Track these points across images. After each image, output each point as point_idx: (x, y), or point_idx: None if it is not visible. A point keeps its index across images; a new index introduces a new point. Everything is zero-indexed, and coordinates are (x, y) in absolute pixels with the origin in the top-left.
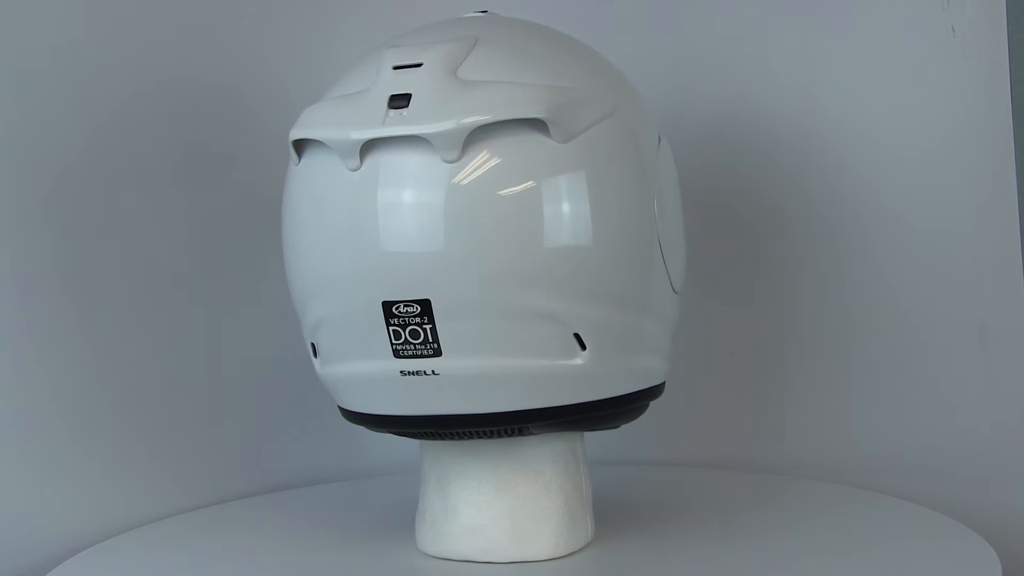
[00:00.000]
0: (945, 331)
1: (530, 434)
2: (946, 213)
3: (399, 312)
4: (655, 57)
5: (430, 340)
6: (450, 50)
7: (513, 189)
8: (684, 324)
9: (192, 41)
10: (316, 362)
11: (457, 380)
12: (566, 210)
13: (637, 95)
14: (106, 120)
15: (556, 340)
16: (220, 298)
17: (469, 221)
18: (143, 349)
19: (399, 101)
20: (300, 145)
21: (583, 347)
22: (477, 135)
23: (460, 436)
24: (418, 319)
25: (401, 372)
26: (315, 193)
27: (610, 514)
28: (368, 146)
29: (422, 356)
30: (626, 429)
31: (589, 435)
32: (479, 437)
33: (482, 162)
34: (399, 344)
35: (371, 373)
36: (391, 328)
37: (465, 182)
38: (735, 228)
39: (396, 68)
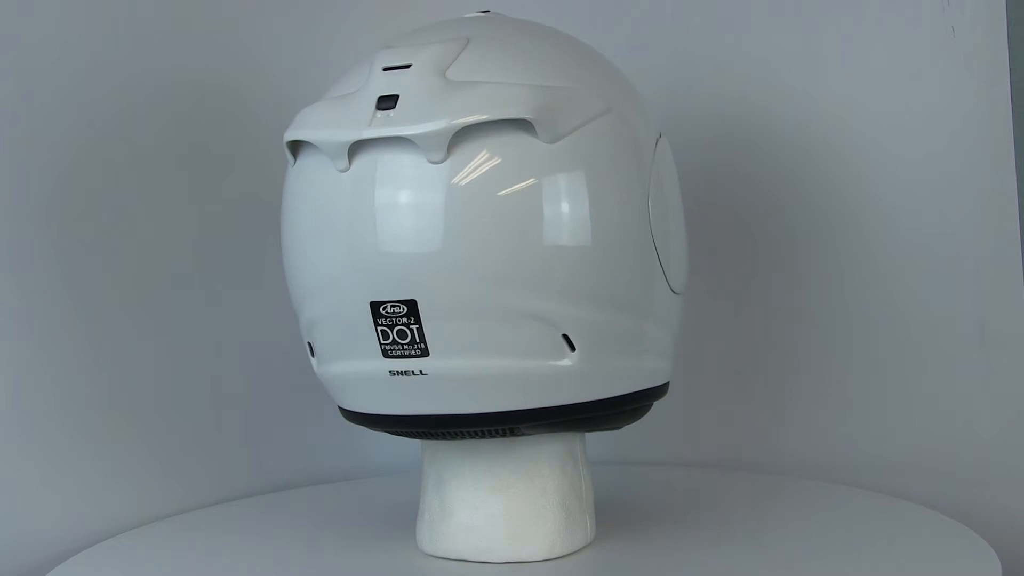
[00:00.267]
0: (945, 331)
1: (523, 434)
2: (946, 213)
3: (386, 312)
4: (655, 57)
5: (417, 340)
6: (440, 51)
7: (499, 189)
8: (684, 324)
9: (192, 41)
10: (313, 361)
11: (445, 380)
12: (553, 210)
13: (634, 94)
14: (106, 120)
15: (544, 341)
16: (220, 298)
17: (455, 222)
18: (143, 349)
19: (387, 102)
20: (296, 146)
21: (572, 348)
22: (465, 135)
23: (450, 436)
24: (405, 319)
25: (390, 372)
26: (308, 194)
27: (610, 514)
28: (356, 147)
29: (410, 356)
30: (625, 429)
31: (591, 434)
32: (469, 437)
33: (468, 163)
34: (387, 344)
35: (362, 373)
36: (379, 328)
37: (451, 183)
38: (734, 228)
39: (386, 69)
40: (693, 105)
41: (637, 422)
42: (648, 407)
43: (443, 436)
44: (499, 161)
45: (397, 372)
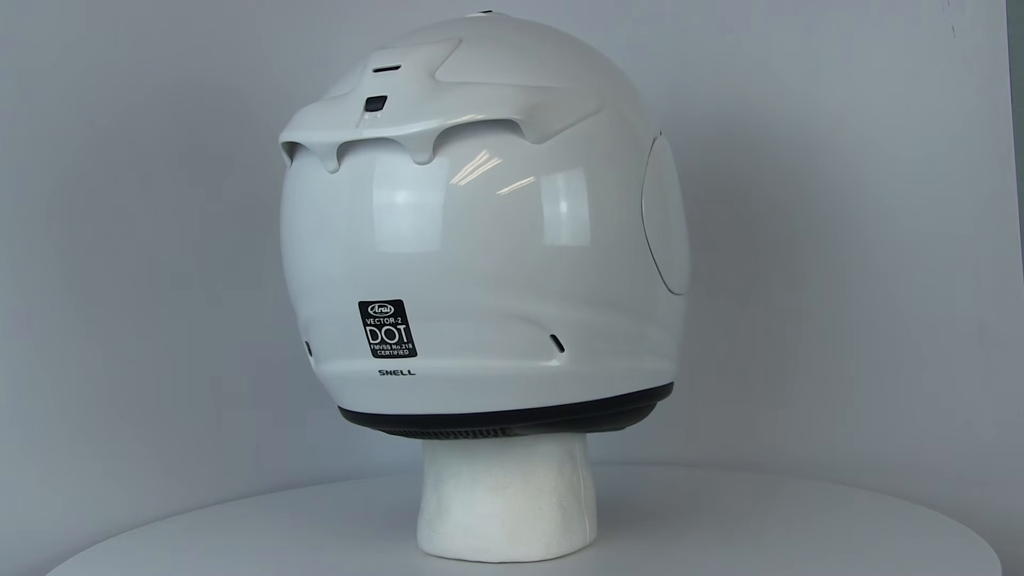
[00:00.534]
0: (945, 331)
1: (516, 435)
2: (946, 213)
3: (374, 312)
4: (656, 57)
5: (404, 340)
6: (430, 52)
7: (484, 190)
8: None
9: (192, 41)
10: (312, 360)
11: (433, 380)
12: (540, 211)
13: (632, 92)
14: (106, 120)
15: (532, 342)
16: (220, 298)
17: (440, 222)
18: (143, 349)
19: (375, 103)
20: (292, 147)
21: (561, 348)
22: (452, 136)
23: (442, 436)
24: (392, 319)
25: (380, 372)
26: (301, 195)
27: (609, 514)
28: (345, 148)
29: (398, 356)
30: (626, 429)
31: (592, 434)
32: (461, 437)
33: (454, 164)
34: (376, 344)
35: (354, 372)
36: (368, 328)
37: (436, 183)
38: (734, 228)
39: (376, 71)
40: (693, 105)
41: (638, 422)
42: (651, 407)
43: (435, 436)
44: (485, 162)
45: (386, 372)
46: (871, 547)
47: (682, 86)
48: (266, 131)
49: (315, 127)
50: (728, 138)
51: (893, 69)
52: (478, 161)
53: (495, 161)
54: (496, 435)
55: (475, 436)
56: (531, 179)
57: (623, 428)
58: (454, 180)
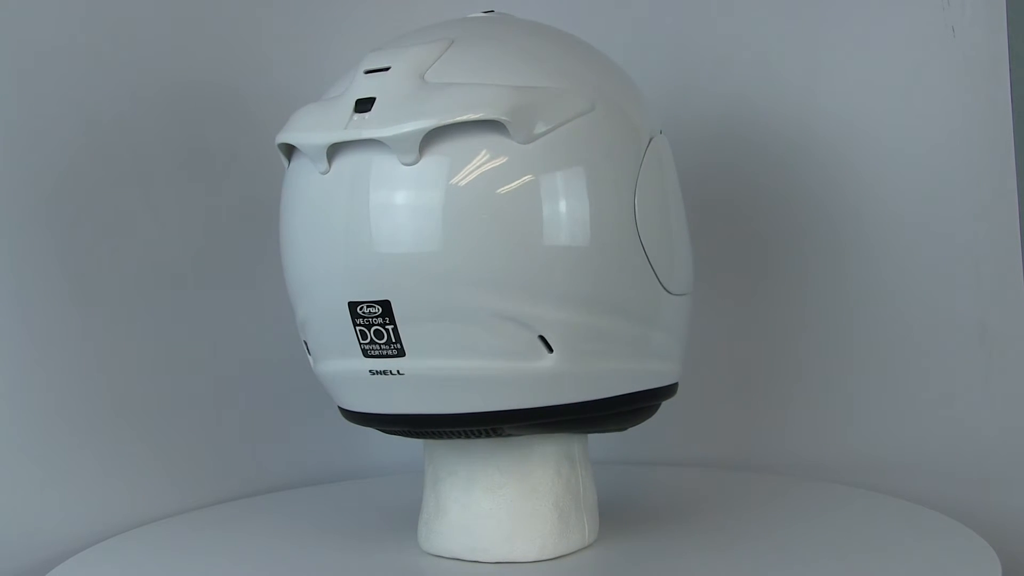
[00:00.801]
0: (945, 331)
1: (508, 435)
2: (946, 213)
3: (363, 312)
4: (656, 56)
5: (393, 340)
6: (420, 53)
7: (470, 191)
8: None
9: (192, 41)
10: (310, 359)
11: (422, 380)
12: (529, 212)
13: (628, 91)
14: (106, 120)
15: (520, 342)
16: (220, 298)
17: (427, 224)
18: (143, 349)
19: (364, 105)
20: (290, 148)
21: (550, 349)
22: (440, 136)
23: (433, 435)
24: (380, 320)
25: (370, 371)
26: (296, 195)
27: (610, 515)
28: (335, 149)
29: (387, 356)
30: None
31: (595, 434)
32: (452, 437)
33: (440, 165)
34: (366, 344)
35: (346, 372)
36: (357, 328)
37: (423, 184)
38: (735, 228)
39: (367, 72)
40: (694, 104)
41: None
42: (653, 408)
43: (427, 435)
44: (473, 163)
45: (377, 372)
46: (872, 547)
47: (682, 86)
48: (266, 131)
49: (307, 129)
50: (728, 138)
51: (893, 69)
52: (465, 162)
53: (483, 162)
54: (488, 435)
55: (467, 436)
56: (519, 180)
57: (626, 429)
58: (441, 181)
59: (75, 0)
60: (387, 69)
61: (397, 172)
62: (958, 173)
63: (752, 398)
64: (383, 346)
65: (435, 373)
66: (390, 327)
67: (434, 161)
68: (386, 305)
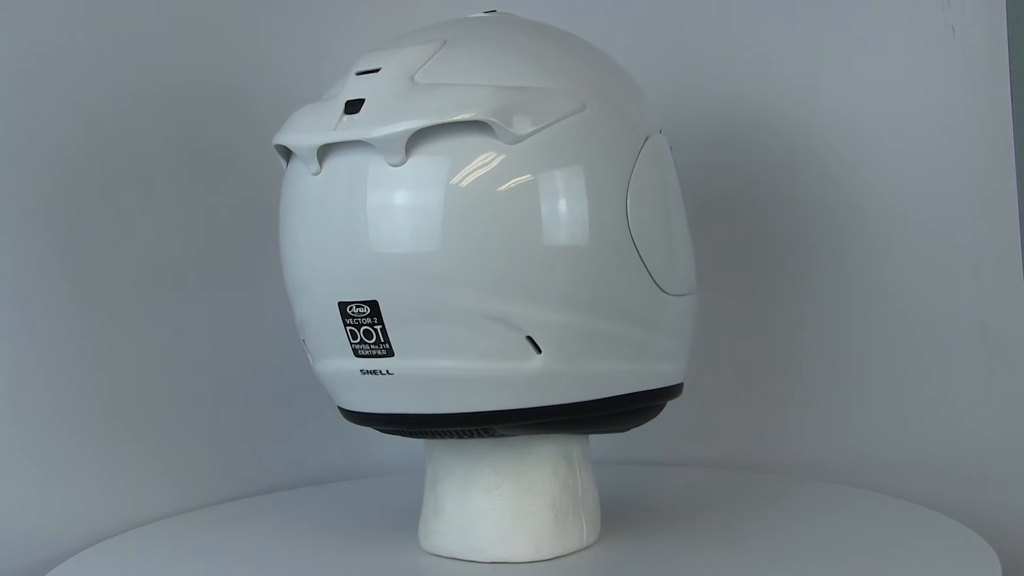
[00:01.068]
0: (945, 331)
1: (501, 435)
2: (946, 213)
3: (352, 312)
4: (657, 56)
5: (382, 340)
6: (411, 54)
7: (457, 192)
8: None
9: (192, 41)
10: (309, 358)
11: (411, 380)
12: (514, 212)
13: (623, 90)
14: (106, 120)
15: (507, 343)
16: (220, 298)
17: (413, 224)
18: (143, 349)
19: (353, 106)
20: (287, 149)
21: (538, 350)
22: (427, 138)
23: (425, 435)
24: (369, 320)
25: (361, 371)
26: (291, 196)
27: (608, 515)
28: (325, 151)
29: (377, 356)
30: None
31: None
32: (445, 437)
33: (426, 165)
34: (356, 344)
35: (340, 371)
36: (348, 328)
37: (409, 185)
38: (735, 227)
39: (358, 74)
40: (695, 104)
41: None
42: (655, 409)
43: (418, 435)
44: (455, 163)
45: (367, 371)
46: (872, 547)
47: (683, 85)
48: (266, 131)
49: (299, 130)
50: (729, 138)
51: (893, 69)
52: (452, 163)
53: (469, 163)
54: (481, 436)
55: (459, 436)
56: (507, 181)
57: (627, 430)
58: (427, 182)
59: (75, 0)
60: (377, 71)
61: (385, 173)
62: (958, 173)
63: (752, 398)
64: (372, 346)
65: (424, 373)
66: (378, 327)
67: (421, 162)
68: (374, 305)
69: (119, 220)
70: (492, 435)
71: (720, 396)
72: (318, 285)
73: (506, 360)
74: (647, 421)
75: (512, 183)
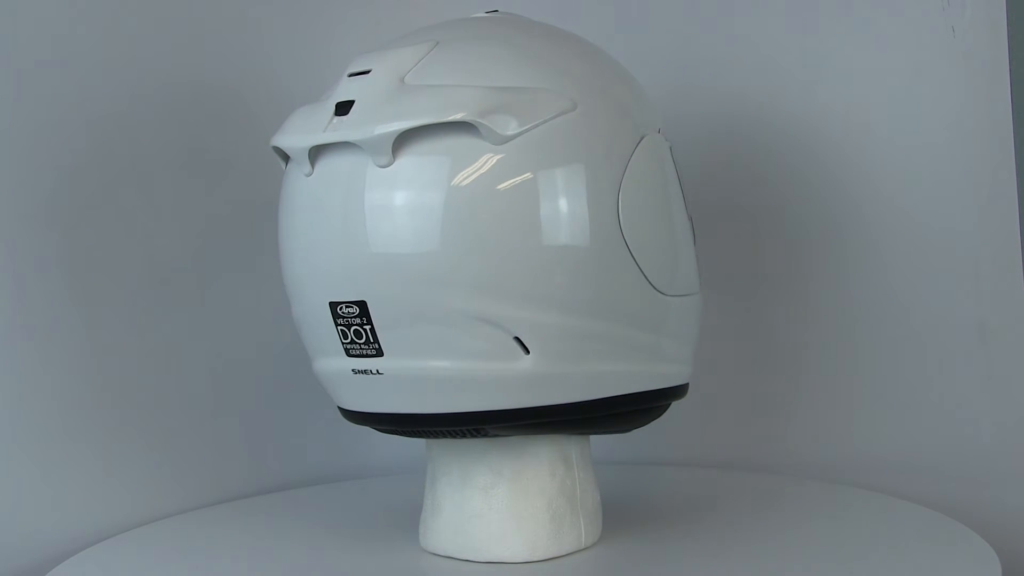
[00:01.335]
0: (945, 331)
1: (496, 435)
2: (946, 213)
3: (342, 312)
4: (657, 56)
5: (371, 340)
6: (402, 56)
7: (444, 192)
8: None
9: (192, 41)
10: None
11: (400, 380)
12: (501, 213)
13: (618, 89)
14: (106, 120)
15: (495, 344)
16: (220, 298)
17: (398, 225)
18: (143, 348)
19: (343, 108)
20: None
21: (526, 351)
22: (414, 139)
23: (415, 434)
24: (358, 320)
25: (352, 370)
26: (286, 197)
27: (608, 515)
28: (316, 152)
29: (366, 356)
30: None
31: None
32: (435, 436)
33: (413, 166)
34: (347, 343)
35: (333, 370)
36: (339, 328)
37: (395, 186)
38: (736, 229)
39: (350, 75)
40: (695, 104)
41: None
42: (657, 409)
43: (411, 434)
44: (442, 164)
45: (358, 371)
46: (872, 547)
47: (683, 85)
48: (266, 132)
49: (292, 132)
50: (729, 137)
51: (893, 69)
52: (438, 164)
53: (455, 163)
54: (473, 435)
55: (451, 436)
56: (494, 181)
57: (629, 431)
58: (413, 183)
59: (75, 0)
60: (368, 72)
61: (372, 174)
62: (958, 173)
63: (753, 398)
64: (362, 346)
65: (412, 373)
66: (367, 327)
67: (408, 163)
68: (362, 305)
69: (119, 220)
70: (485, 435)
71: (720, 396)
72: (311, 285)
73: (494, 361)
74: (649, 422)
75: (499, 184)
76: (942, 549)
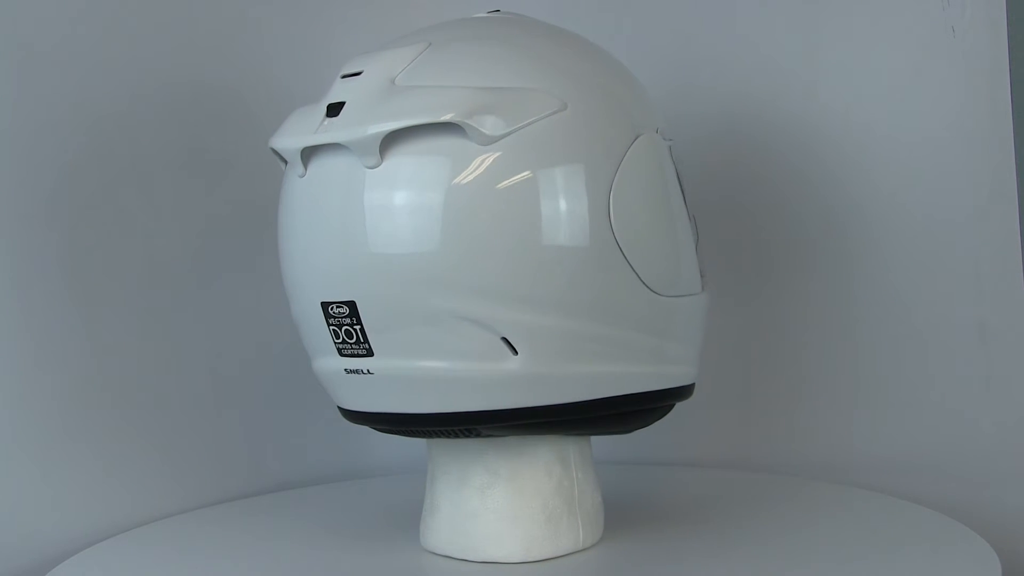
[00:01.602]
0: (945, 331)
1: (489, 435)
2: (946, 213)
3: (333, 312)
4: (657, 56)
5: (361, 340)
6: (393, 57)
7: (431, 193)
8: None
9: (192, 41)
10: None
11: (390, 380)
12: (489, 213)
13: (614, 89)
14: (106, 120)
15: (483, 344)
16: (220, 298)
17: (386, 226)
18: (143, 349)
19: (334, 109)
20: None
21: (514, 351)
22: (403, 140)
23: (409, 434)
24: (348, 320)
25: (345, 370)
26: (283, 198)
27: (608, 516)
28: (309, 153)
29: (357, 355)
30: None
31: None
32: (429, 436)
33: (402, 167)
34: (339, 343)
35: (328, 370)
36: (331, 328)
37: (384, 187)
38: (736, 227)
39: (343, 77)
40: (695, 104)
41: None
42: (658, 410)
43: (405, 433)
44: (431, 165)
45: (350, 370)
46: (873, 547)
47: (683, 85)
48: (266, 132)
49: (287, 133)
50: (729, 137)
51: (893, 69)
52: (426, 164)
53: (442, 164)
54: (466, 435)
55: (444, 436)
56: (480, 181)
57: (630, 431)
58: (401, 184)
59: (75, 0)
60: (359, 74)
61: (361, 175)
62: (958, 173)
63: (753, 398)
64: (353, 346)
65: (402, 373)
66: (357, 327)
67: (396, 164)
68: (352, 306)
69: (119, 220)
70: (478, 435)
71: (721, 396)
72: (305, 285)
73: (483, 361)
74: (650, 423)
75: (487, 184)
76: (942, 549)
